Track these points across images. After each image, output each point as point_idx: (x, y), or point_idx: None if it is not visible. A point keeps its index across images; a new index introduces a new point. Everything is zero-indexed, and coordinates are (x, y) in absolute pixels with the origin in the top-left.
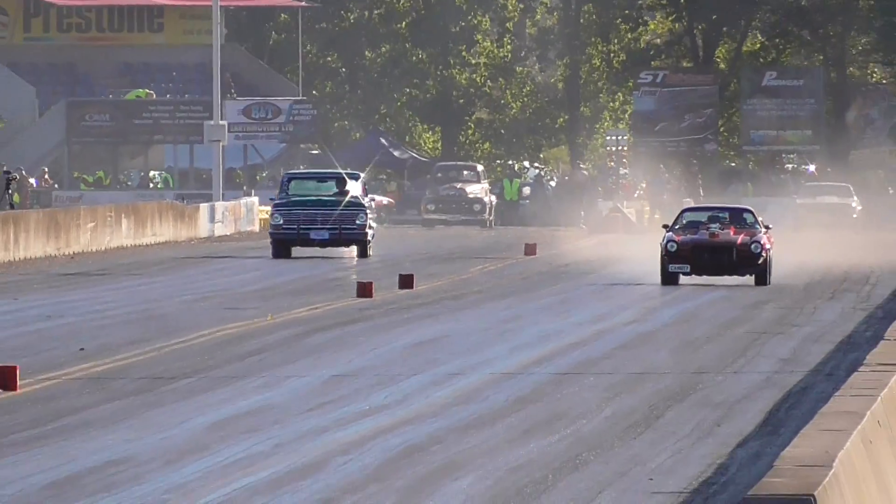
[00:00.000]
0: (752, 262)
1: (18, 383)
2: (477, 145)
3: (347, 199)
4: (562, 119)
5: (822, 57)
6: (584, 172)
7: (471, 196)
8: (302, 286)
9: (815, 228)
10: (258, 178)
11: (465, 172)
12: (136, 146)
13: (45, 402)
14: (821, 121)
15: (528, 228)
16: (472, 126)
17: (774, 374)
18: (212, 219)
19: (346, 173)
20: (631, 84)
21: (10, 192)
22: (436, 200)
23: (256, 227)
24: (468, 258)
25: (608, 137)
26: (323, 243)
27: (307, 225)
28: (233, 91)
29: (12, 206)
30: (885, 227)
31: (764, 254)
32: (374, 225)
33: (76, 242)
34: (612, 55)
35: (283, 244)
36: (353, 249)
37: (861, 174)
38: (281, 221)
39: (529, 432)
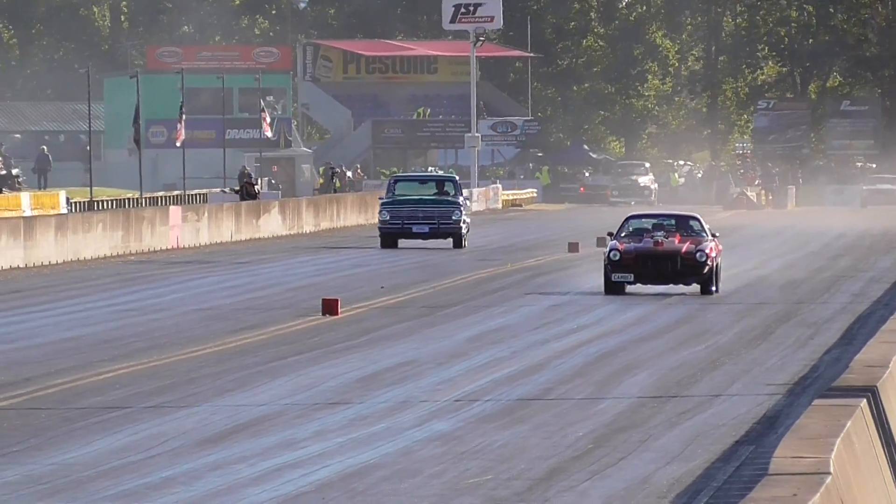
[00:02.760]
0: (697, 271)
1: (339, 310)
2: (648, 150)
3: (444, 198)
4: (706, 132)
5: (879, 91)
6: (722, 166)
7: (641, 184)
8: (532, 244)
9: (876, 206)
10: (500, 172)
11: (638, 168)
12: (418, 150)
13: (357, 323)
14: (879, 134)
15: (683, 206)
16: (645, 137)
17: (849, 304)
18: (469, 199)
19: (444, 176)
20: (752, 109)
21: (333, 181)
22: (618, 188)
23: (500, 206)
24: None
25: (737, 145)
26: (424, 236)
27: (410, 220)
28: (484, 113)
29: (335, 191)
30: None
31: (709, 262)
32: (467, 220)
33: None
34: (738, 89)
35: (389, 237)
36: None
37: None
38: (388, 217)
39: (683, 343)
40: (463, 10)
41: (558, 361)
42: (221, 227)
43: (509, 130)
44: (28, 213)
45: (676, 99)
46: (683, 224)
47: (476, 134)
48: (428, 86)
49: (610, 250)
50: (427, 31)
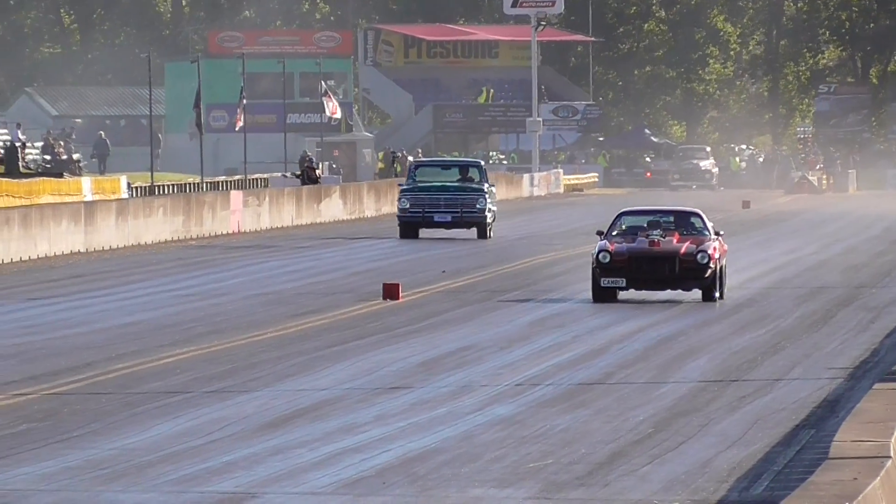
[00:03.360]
0: (697, 275)
1: (401, 295)
2: (709, 134)
3: (468, 185)
4: (767, 116)
5: None
6: (784, 150)
7: (703, 168)
8: (594, 227)
9: None
10: (561, 157)
11: (699, 152)
12: (479, 135)
13: (418, 307)
14: None
15: (744, 190)
16: (707, 122)
17: None
18: (531, 184)
19: (468, 161)
20: (813, 93)
21: (394, 165)
22: (679, 172)
23: (561, 190)
24: (703, 210)
25: (798, 129)
26: (447, 225)
27: (431, 209)
28: (545, 97)
29: (396, 175)
30: None
31: (712, 265)
32: (493, 209)
33: None
34: (800, 73)
35: (409, 226)
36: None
37: None
38: (408, 206)
39: (744, 327)
40: None
41: (619, 346)
42: (282, 211)
43: (570, 115)
44: (89, 197)
45: (737, 83)
46: (683, 221)
47: (537, 118)
48: (489, 70)
49: (598, 251)
50: (488, 16)
